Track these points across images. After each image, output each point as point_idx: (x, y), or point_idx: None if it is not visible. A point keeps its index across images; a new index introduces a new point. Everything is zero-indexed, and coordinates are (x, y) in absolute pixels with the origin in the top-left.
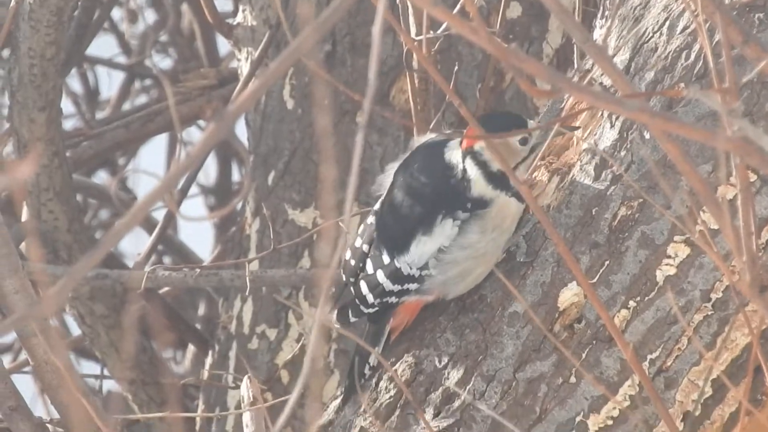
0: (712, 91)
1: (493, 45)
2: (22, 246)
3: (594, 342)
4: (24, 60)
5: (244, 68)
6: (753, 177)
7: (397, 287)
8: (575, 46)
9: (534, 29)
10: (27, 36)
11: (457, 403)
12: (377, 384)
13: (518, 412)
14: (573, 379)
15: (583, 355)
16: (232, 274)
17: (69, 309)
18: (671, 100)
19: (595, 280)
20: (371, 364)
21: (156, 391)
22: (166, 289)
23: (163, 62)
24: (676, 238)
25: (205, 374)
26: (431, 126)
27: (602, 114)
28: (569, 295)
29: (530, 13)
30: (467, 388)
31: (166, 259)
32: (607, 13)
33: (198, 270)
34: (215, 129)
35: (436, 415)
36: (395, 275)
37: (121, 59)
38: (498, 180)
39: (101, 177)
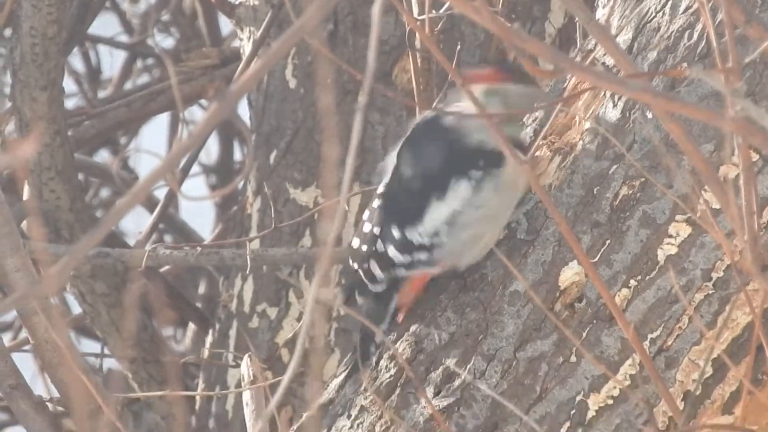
0: (714, 71)
1: (496, 24)
2: (24, 225)
3: (595, 321)
4: (26, 39)
5: (247, 48)
6: (755, 156)
7: (407, 258)
8: (578, 25)
9: (536, 9)
10: (29, 15)
11: (457, 382)
12: (377, 363)
13: (518, 391)
14: (573, 359)
15: (584, 335)
16: (233, 253)
17: (70, 287)
18: (674, 80)
19: (596, 259)
20: (377, 343)
21: (156, 369)
22: (167, 267)
23: (165, 41)
24: (677, 217)
25: (206, 353)
26: (434, 105)
27: (605, 94)
28: (570, 274)
29: None
30: (467, 367)
31: (168, 238)
32: None
33: (199, 249)
34: (217, 108)
35: (436, 394)
36: (405, 246)
37: (123, 38)
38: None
39: (103, 156)
